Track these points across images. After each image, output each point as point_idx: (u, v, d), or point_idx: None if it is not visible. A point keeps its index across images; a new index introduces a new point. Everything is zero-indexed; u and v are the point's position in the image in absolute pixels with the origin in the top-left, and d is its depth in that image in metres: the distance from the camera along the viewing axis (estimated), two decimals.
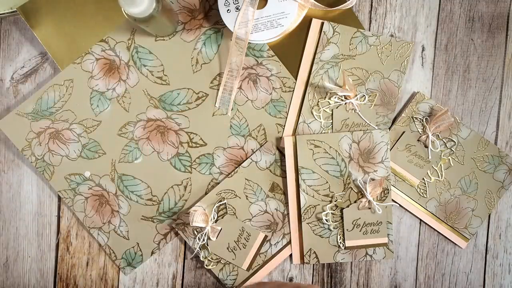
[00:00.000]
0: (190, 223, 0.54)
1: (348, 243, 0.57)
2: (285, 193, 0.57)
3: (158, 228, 0.58)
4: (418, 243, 0.59)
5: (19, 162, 0.59)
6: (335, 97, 0.57)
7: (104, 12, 0.57)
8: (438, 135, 0.57)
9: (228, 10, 0.55)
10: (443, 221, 0.58)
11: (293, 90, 0.58)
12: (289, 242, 0.58)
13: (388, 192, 0.56)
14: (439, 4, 0.58)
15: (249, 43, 0.56)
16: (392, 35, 0.58)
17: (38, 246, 0.60)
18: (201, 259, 0.57)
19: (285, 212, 0.57)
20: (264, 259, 0.58)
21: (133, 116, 0.58)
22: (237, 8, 0.55)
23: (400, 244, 0.58)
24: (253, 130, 0.58)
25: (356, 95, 0.57)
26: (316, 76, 0.57)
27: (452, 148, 0.57)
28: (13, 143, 0.58)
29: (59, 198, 0.59)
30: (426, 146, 0.57)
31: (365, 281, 0.59)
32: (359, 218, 0.56)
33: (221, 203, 0.57)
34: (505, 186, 0.58)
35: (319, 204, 0.56)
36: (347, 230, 0.56)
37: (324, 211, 0.56)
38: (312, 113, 0.58)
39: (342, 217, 0.56)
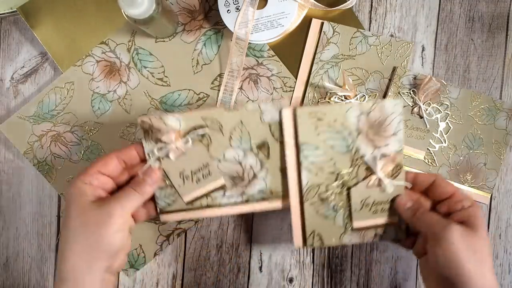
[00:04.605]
0: (159, 134, 0.48)
1: (356, 224, 0.51)
2: (269, 157, 0.50)
3: (161, 230, 0.59)
4: None
5: (19, 162, 0.59)
6: (335, 97, 0.57)
7: (104, 13, 0.57)
8: (429, 103, 0.57)
9: (228, 10, 0.55)
10: (460, 184, 0.57)
11: (294, 90, 0.58)
12: (244, 202, 0.51)
13: (401, 168, 0.50)
14: (439, 4, 0.58)
15: (249, 43, 0.56)
16: (392, 35, 0.58)
17: (38, 246, 0.60)
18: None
19: (258, 175, 0.50)
20: (208, 203, 0.51)
21: (135, 118, 0.58)
22: (237, 9, 0.55)
23: None
24: None
25: (356, 95, 0.57)
26: (316, 76, 0.57)
27: (447, 111, 0.57)
28: (14, 146, 0.58)
29: (59, 198, 0.59)
30: (421, 117, 0.57)
31: (365, 281, 0.59)
32: (369, 196, 0.50)
33: (202, 130, 0.49)
34: (509, 132, 0.57)
35: (323, 183, 0.50)
36: (354, 210, 0.50)
37: (329, 190, 0.50)
38: None
39: (348, 196, 0.50)
